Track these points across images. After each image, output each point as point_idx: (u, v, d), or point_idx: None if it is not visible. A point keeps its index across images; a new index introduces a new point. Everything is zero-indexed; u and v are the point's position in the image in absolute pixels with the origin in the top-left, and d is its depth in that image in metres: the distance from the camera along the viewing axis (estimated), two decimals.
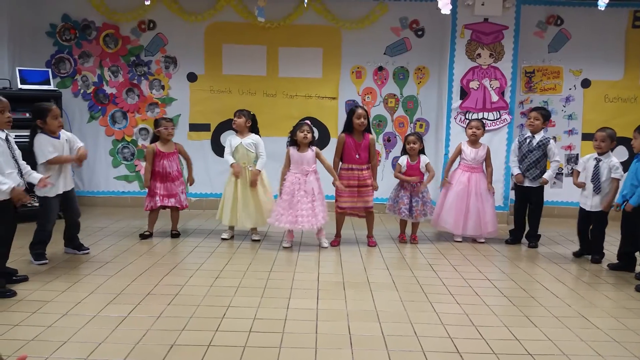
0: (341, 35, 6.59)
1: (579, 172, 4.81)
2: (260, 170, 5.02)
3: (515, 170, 5.21)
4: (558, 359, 2.77)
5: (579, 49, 6.51)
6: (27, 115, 5.74)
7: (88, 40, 6.57)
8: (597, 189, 4.58)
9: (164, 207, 5.18)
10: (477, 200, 5.16)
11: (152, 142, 5.23)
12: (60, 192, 4.25)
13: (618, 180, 4.55)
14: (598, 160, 4.60)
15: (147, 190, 5.15)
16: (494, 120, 6.11)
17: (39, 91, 5.87)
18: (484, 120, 5.76)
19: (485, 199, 5.18)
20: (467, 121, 5.81)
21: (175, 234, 5.23)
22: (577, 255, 4.88)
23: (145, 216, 5.31)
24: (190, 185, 5.37)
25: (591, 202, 4.64)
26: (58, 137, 4.25)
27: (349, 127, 4.93)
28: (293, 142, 4.87)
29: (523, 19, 6.14)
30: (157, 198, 5.08)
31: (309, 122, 4.91)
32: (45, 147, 4.11)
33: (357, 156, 4.88)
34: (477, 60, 6.11)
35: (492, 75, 6.12)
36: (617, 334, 3.12)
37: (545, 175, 5.08)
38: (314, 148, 4.86)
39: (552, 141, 5.12)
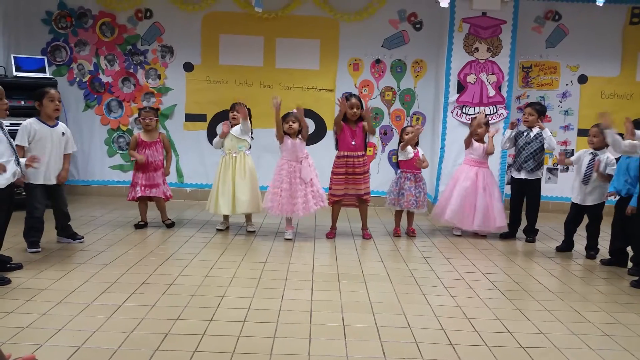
0: (339, 27, 6.56)
1: (565, 154, 4.81)
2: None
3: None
4: (550, 352, 2.80)
5: (576, 44, 6.51)
6: (22, 102, 5.73)
7: (84, 28, 6.52)
8: (586, 180, 4.63)
9: (149, 199, 5.15)
10: (485, 195, 5.17)
11: None
12: (40, 182, 4.17)
13: (612, 176, 4.58)
14: (594, 155, 4.64)
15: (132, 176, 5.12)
16: (491, 114, 6.10)
17: (34, 79, 5.85)
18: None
19: (492, 193, 5.19)
20: (468, 117, 5.92)
21: (170, 224, 5.23)
22: (560, 250, 4.92)
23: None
24: (165, 175, 5.22)
25: (582, 196, 4.68)
26: (53, 126, 4.23)
27: (343, 117, 4.93)
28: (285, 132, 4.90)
29: (521, 14, 6.12)
30: (138, 188, 5.05)
31: (295, 111, 4.88)
32: (22, 131, 4.06)
33: (352, 142, 4.91)
34: (475, 55, 6.10)
35: (490, 69, 6.11)
36: (608, 327, 3.15)
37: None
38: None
39: (547, 130, 5.16)
